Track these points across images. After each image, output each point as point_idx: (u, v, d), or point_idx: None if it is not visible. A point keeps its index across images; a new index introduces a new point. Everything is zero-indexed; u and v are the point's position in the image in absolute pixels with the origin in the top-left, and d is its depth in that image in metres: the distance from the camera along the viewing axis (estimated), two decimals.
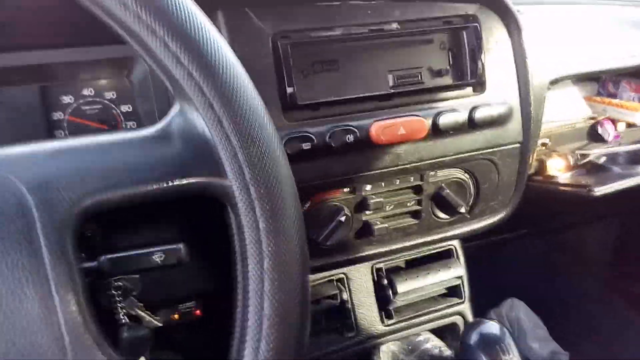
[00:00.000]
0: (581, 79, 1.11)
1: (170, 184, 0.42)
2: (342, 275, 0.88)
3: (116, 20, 0.38)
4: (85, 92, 0.71)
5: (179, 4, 0.39)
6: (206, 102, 0.39)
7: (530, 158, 0.85)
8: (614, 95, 1.23)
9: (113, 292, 0.65)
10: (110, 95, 0.72)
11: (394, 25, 0.71)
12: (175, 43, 0.38)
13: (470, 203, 0.82)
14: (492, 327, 0.69)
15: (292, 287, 0.40)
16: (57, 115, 0.71)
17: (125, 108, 0.73)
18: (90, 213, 0.40)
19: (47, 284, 0.37)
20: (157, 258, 0.50)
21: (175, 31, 0.38)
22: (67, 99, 0.71)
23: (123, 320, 0.66)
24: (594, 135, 1.13)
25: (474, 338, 0.68)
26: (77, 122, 0.72)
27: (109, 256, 0.50)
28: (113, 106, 0.73)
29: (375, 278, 0.90)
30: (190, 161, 0.42)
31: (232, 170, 0.40)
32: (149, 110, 0.72)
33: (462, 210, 0.78)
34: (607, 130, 1.12)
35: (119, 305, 0.65)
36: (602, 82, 1.24)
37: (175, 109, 0.43)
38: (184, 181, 0.42)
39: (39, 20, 0.65)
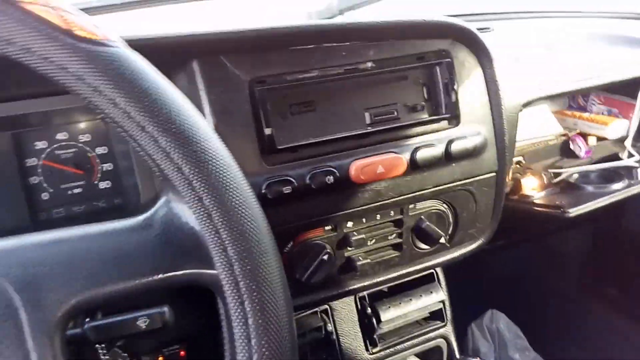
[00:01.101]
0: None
1: (158, 276, 0.41)
2: (327, 307, 0.88)
3: (102, 112, 0.37)
4: (60, 136, 0.70)
5: (169, 99, 0.38)
6: (195, 196, 0.38)
7: (506, 183, 0.87)
8: (583, 109, 1.26)
9: (97, 345, 0.64)
10: (85, 138, 0.71)
11: (369, 64, 0.72)
12: (165, 139, 0.37)
13: (449, 232, 0.83)
14: None
15: None
16: (31, 161, 0.69)
17: (100, 150, 0.72)
18: (77, 310, 0.39)
19: None
20: (142, 323, 0.50)
21: (165, 127, 0.37)
22: (41, 144, 0.69)
23: None
24: (566, 151, 1.16)
25: None
26: (51, 166, 0.70)
27: (94, 324, 0.49)
28: (88, 149, 0.72)
29: (359, 307, 0.91)
30: (179, 252, 0.42)
31: (221, 264, 0.39)
32: (125, 150, 0.71)
33: (442, 240, 0.79)
34: (579, 146, 1.15)
35: (103, 358, 0.65)
36: (572, 96, 1.27)
37: (162, 199, 0.43)
38: (172, 274, 0.42)
39: (10, 72, 0.63)
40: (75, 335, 0.49)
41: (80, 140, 0.71)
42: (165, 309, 0.51)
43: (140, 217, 0.44)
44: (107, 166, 0.72)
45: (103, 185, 0.73)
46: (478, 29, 0.79)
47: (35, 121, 0.68)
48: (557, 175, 1.06)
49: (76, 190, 0.71)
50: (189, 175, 0.38)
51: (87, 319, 0.53)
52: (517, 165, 1.07)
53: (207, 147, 0.39)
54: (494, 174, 0.82)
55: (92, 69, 0.35)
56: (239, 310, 0.39)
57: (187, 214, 0.41)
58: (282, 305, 0.41)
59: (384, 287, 0.93)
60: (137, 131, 0.37)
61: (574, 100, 1.28)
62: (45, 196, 0.70)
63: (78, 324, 0.51)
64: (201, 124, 0.40)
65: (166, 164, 0.38)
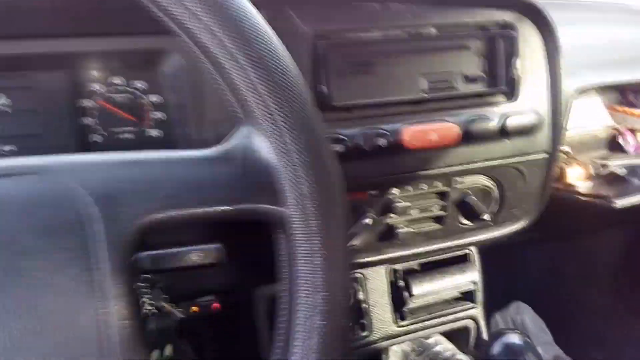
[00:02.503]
0: (605, 88, 1.11)
1: (233, 207, 0.42)
2: (360, 275, 0.88)
3: (195, 39, 0.38)
4: (116, 80, 0.70)
5: (263, 34, 0.39)
6: (277, 131, 0.39)
7: (556, 167, 0.86)
8: (634, 105, 1.23)
9: (141, 284, 0.65)
10: (140, 84, 0.71)
11: (432, 30, 0.70)
12: (257, 72, 0.38)
13: (493, 210, 0.82)
14: (515, 337, 0.70)
15: (339, 323, 0.41)
16: (86, 102, 0.70)
17: (154, 98, 0.72)
18: (150, 229, 0.40)
19: (106, 299, 0.37)
20: (196, 257, 0.50)
21: (258, 60, 0.38)
22: (96, 86, 0.70)
23: (150, 312, 0.66)
24: (614, 145, 1.14)
25: (497, 349, 0.68)
26: (106, 108, 0.71)
27: (149, 253, 0.50)
28: (143, 96, 0.72)
29: (392, 279, 0.90)
30: (254, 186, 0.42)
31: (295, 201, 0.40)
32: (180, 102, 0.71)
33: (486, 217, 0.78)
34: (628, 141, 1.12)
35: (146, 296, 0.66)
36: (623, 91, 1.23)
37: (242, 132, 0.43)
38: (247, 206, 0.42)
39: (70, 7, 0.64)
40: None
41: (135, 86, 0.71)
42: (220, 245, 0.51)
43: (220, 148, 0.44)
44: (160, 115, 0.73)
45: (154, 133, 0.73)
46: None
47: (92, 62, 0.68)
48: (604, 167, 1.03)
49: (127, 135, 0.72)
50: (273, 110, 0.39)
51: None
52: (564, 155, 1.05)
53: (293, 84, 0.39)
54: (546, 155, 0.80)
55: None
56: (306, 248, 0.39)
57: (265, 149, 0.41)
58: (344, 244, 0.42)
59: (417, 264, 0.92)
60: (228, 60, 0.38)
61: (624, 96, 1.25)
62: (96, 138, 0.70)
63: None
64: (289, 62, 0.40)
65: (252, 96, 0.38)
